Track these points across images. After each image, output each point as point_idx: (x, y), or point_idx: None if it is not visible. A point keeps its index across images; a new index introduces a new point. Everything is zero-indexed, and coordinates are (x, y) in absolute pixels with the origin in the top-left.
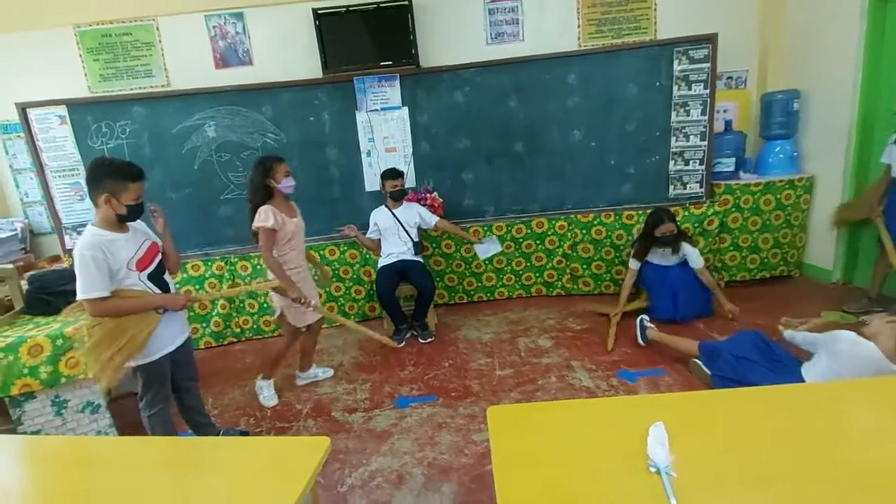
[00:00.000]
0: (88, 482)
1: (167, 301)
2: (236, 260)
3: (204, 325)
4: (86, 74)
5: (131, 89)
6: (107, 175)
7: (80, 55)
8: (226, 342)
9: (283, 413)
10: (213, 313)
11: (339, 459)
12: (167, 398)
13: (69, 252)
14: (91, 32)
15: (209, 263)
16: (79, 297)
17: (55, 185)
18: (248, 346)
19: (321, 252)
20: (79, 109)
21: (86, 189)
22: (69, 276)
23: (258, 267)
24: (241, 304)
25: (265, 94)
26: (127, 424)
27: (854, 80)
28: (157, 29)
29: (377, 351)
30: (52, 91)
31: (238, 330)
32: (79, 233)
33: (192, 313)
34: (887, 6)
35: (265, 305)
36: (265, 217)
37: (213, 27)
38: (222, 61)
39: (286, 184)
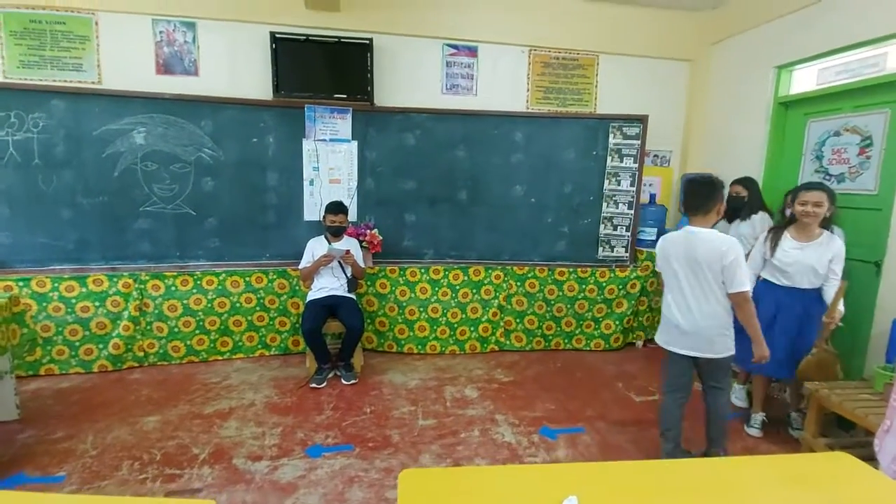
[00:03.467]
0: None
1: None
2: (147, 278)
3: (101, 346)
4: (3, 58)
5: (54, 80)
6: None
7: (1, 37)
8: (124, 367)
9: (176, 457)
10: (114, 334)
11: None
12: None
13: None
14: (18, 15)
15: (114, 279)
16: None
17: None
18: (148, 374)
19: (247, 279)
20: None
21: None
22: None
23: (172, 288)
24: (148, 326)
25: (207, 108)
26: None
27: (759, 168)
28: (96, 24)
29: (294, 391)
30: None
31: (141, 354)
32: None
33: (87, 332)
34: (788, 110)
35: (176, 329)
36: None
37: (160, 32)
38: (165, 67)
39: None
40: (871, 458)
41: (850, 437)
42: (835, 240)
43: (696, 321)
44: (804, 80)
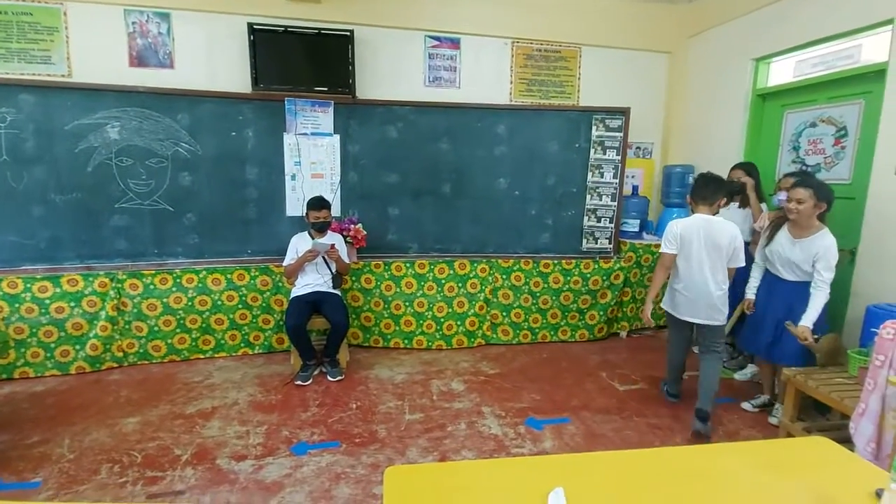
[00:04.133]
0: None
1: None
2: (125, 277)
3: (78, 347)
4: None
5: (21, 74)
6: None
7: None
8: (103, 368)
9: (158, 459)
10: (91, 335)
11: None
12: None
13: None
14: None
15: (90, 279)
16: None
17: None
18: (127, 374)
19: (229, 276)
20: None
21: None
22: None
23: (151, 287)
24: (127, 326)
25: (184, 101)
26: None
27: (738, 159)
28: (65, 14)
29: (279, 388)
30: None
31: (120, 354)
32: None
33: (63, 333)
34: (765, 102)
35: (156, 329)
36: None
37: (133, 23)
38: (138, 60)
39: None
40: (847, 441)
41: (827, 420)
42: (824, 237)
43: (711, 291)
44: (781, 73)
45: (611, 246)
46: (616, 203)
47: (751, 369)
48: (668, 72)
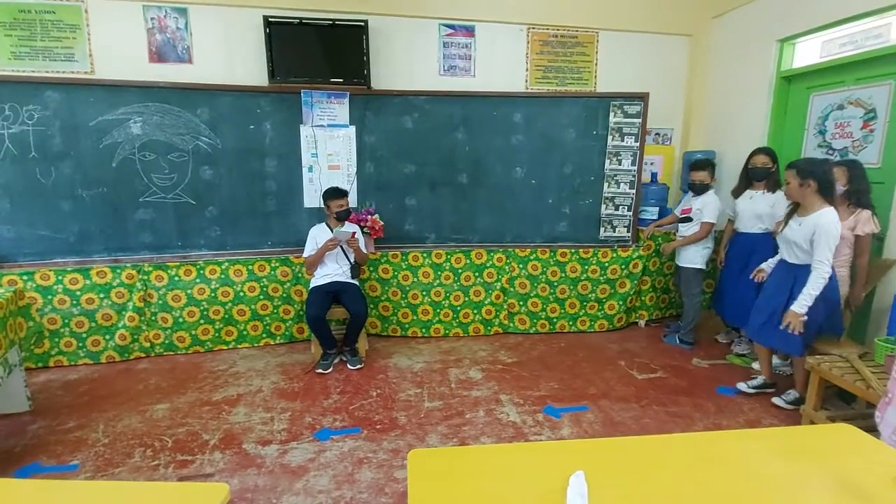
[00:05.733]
0: None
1: None
2: (150, 269)
3: (108, 336)
4: None
5: (46, 72)
6: None
7: None
8: (131, 357)
9: (187, 444)
10: (120, 325)
11: (246, 499)
12: None
13: None
14: (7, 6)
15: (118, 271)
16: None
17: None
18: (155, 364)
19: (250, 267)
20: None
21: None
22: None
23: (175, 278)
24: (153, 317)
25: (203, 96)
26: None
27: (761, 144)
28: (86, 12)
29: (301, 376)
30: None
31: (147, 345)
32: None
33: (93, 323)
34: (790, 84)
35: (181, 319)
36: None
37: (152, 19)
38: (158, 55)
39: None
40: (872, 430)
41: (852, 409)
42: (821, 215)
43: None
44: (807, 54)
45: (629, 234)
46: (635, 191)
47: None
48: (689, 55)
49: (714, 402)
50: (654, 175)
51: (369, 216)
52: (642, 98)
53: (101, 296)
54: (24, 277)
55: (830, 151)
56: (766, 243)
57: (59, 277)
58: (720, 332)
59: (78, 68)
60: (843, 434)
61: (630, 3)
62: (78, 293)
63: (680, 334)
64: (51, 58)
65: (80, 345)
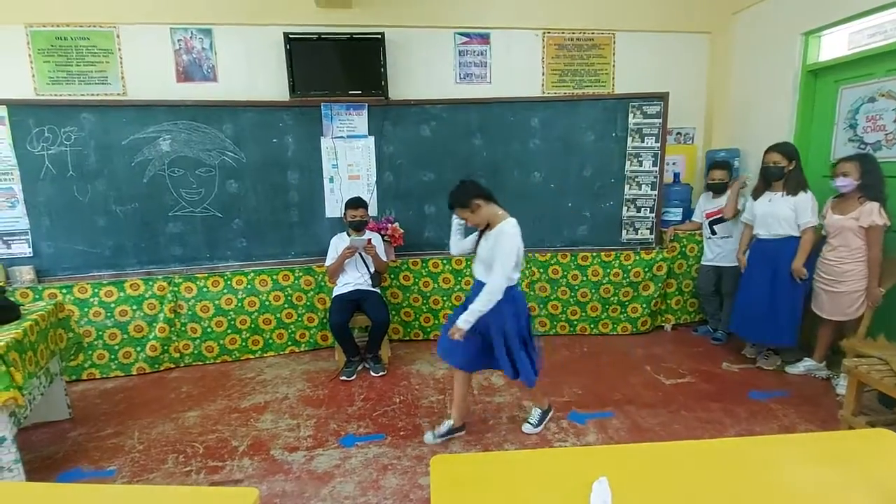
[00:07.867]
0: None
1: None
2: (181, 281)
3: (139, 349)
4: (33, 76)
5: (82, 95)
6: None
7: (30, 55)
8: (161, 368)
9: (217, 450)
10: (150, 336)
11: None
12: None
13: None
14: (45, 33)
15: (150, 283)
16: None
17: None
18: (185, 373)
19: (275, 277)
20: (20, 111)
21: (21, 195)
22: None
23: (204, 289)
24: (183, 328)
25: (228, 112)
26: (38, 458)
27: (789, 140)
28: (118, 37)
29: (326, 384)
30: None
31: (177, 355)
32: (5, 242)
33: (125, 336)
34: (817, 80)
35: (209, 330)
36: None
37: (179, 40)
38: (185, 75)
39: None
40: None
41: (893, 414)
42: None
43: None
44: (834, 46)
45: (652, 236)
46: (657, 192)
47: (804, 364)
48: (710, 53)
49: (746, 408)
50: (676, 175)
51: (389, 224)
52: (662, 98)
53: (134, 307)
54: (64, 291)
55: (863, 146)
56: (789, 248)
57: (96, 290)
58: (745, 346)
59: (111, 90)
60: (883, 440)
61: (646, 4)
62: (112, 305)
63: (721, 325)
64: (86, 81)
65: (112, 356)
